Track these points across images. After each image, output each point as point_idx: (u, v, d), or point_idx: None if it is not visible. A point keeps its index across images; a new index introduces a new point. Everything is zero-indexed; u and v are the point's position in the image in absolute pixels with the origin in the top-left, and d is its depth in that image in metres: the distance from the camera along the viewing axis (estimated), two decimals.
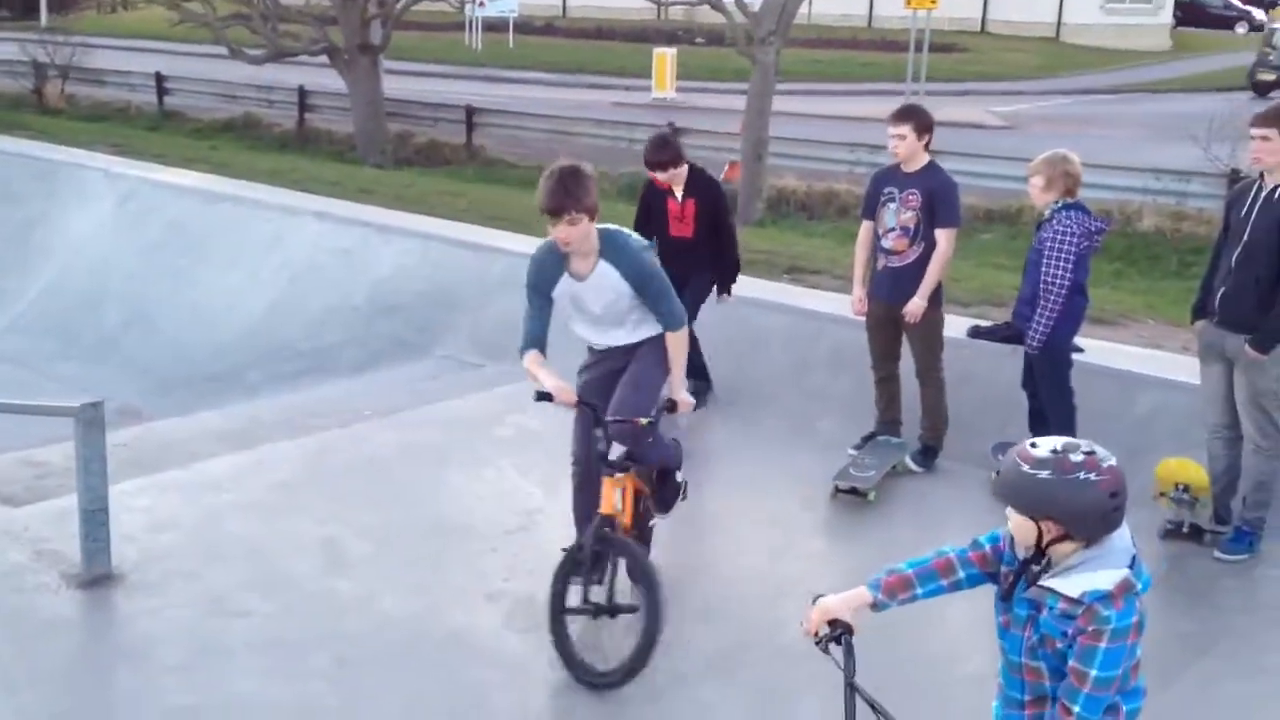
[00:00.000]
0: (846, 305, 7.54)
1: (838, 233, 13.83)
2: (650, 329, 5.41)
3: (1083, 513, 2.96)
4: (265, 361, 10.36)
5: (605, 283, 5.19)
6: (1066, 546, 3.02)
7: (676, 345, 5.37)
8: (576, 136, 19.32)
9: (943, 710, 4.50)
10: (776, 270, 10.51)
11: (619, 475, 5.21)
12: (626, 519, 5.30)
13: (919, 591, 3.25)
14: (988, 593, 3.28)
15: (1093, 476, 2.94)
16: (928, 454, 7.25)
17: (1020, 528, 3.06)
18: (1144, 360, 7.80)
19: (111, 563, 5.74)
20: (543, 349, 5.20)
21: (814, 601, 3.25)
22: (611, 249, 5.17)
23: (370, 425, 7.93)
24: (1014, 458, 3.02)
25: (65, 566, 5.75)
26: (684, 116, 21.34)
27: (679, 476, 5.86)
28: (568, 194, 4.91)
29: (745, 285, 9.16)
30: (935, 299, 7.04)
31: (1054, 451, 2.98)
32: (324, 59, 20.59)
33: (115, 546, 5.77)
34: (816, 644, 3.20)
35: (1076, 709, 3.01)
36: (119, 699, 4.87)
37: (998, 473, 3.08)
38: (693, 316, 7.37)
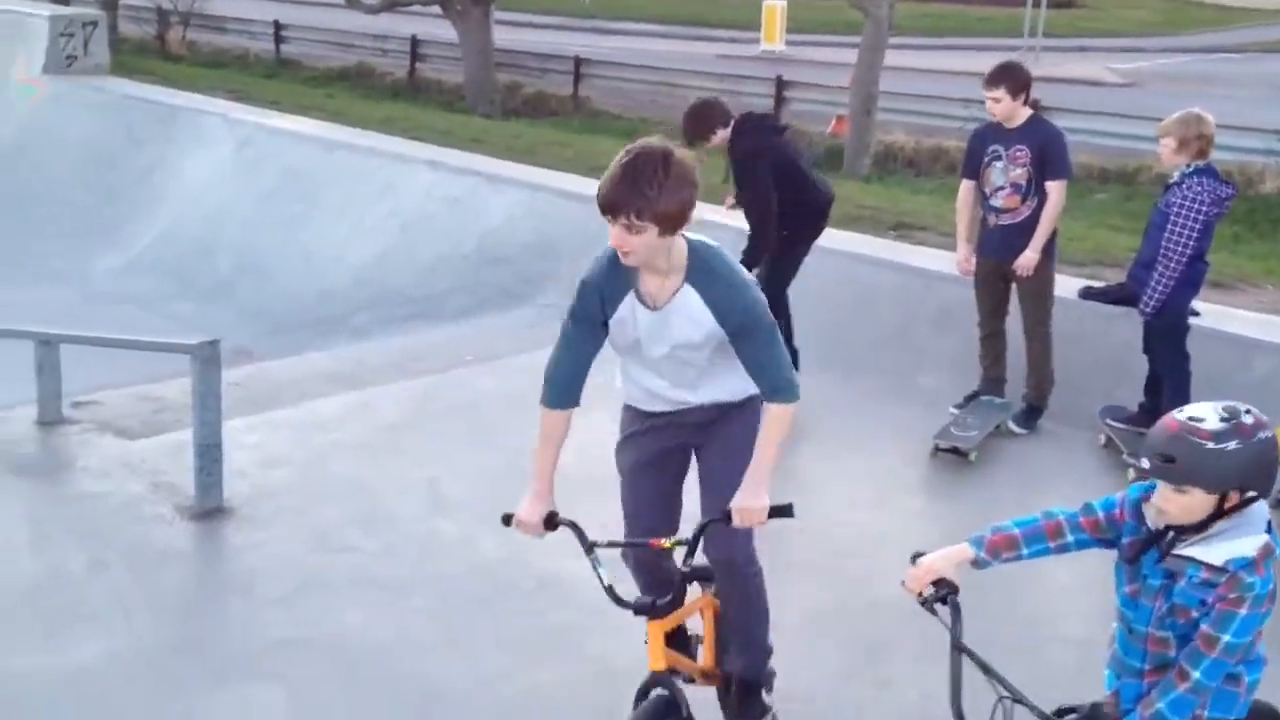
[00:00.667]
0: (953, 263, 7.43)
1: (945, 189, 13.59)
2: (743, 385, 3.81)
3: (1269, 471, 2.92)
4: (374, 307, 10.54)
5: (685, 315, 3.61)
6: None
7: (779, 423, 3.69)
8: (680, 89, 19.18)
9: (1046, 671, 4.46)
10: (883, 227, 10.38)
11: (666, 618, 3.78)
12: (708, 658, 4.04)
13: (1024, 552, 3.19)
14: (1089, 554, 3.23)
15: (1270, 434, 2.91)
16: (1031, 415, 7.14)
17: (1194, 506, 2.92)
18: (1261, 325, 7.57)
19: (223, 496, 5.93)
20: (574, 402, 3.81)
21: (913, 560, 3.20)
22: (702, 271, 3.57)
23: (471, 370, 8.04)
24: (1186, 439, 2.87)
25: (180, 499, 5.95)
26: (792, 69, 21.11)
27: (766, 697, 4.15)
28: (633, 188, 3.32)
29: (851, 241, 9.09)
30: (1047, 252, 6.89)
31: (1225, 420, 2.88)
32: (436, 9, 20.73)
33: (227, 481, 5.96)
34: (921, 604, 3.16)
35: (1197, 674, 2.94)
36: (226, 629, 5.02)
37: (1160, 456, 2.89)
38: (784, 282, 7.17)
